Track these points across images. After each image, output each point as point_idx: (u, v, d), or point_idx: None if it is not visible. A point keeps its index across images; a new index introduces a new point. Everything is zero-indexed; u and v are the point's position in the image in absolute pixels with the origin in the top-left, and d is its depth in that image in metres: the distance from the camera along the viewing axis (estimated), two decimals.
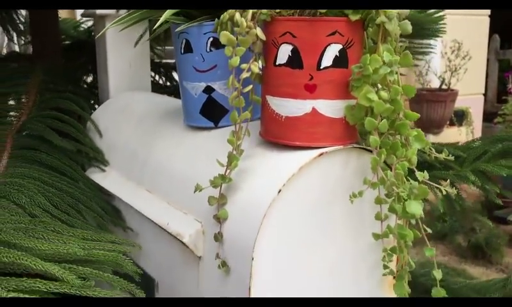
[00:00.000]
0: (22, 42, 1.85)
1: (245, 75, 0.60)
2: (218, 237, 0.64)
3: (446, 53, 3.70)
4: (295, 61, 0.61)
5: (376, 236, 0.64)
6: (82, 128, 1.02)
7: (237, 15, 0.63)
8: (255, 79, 0.66)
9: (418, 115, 0.62)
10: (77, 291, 0.53)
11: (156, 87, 1.38)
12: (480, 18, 4.37)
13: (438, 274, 0.69)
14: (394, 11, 0.59)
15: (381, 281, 0.71)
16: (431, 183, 0.63)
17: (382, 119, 0.60)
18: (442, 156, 0.68)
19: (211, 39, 0.74)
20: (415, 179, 0.64)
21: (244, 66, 0.62)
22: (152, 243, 0.79)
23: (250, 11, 0.61)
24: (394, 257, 0.66)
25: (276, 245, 0.60)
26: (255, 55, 0.63)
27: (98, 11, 1.09)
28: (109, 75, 1.13)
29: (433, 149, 0.67)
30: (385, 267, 0.64)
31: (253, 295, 0.59)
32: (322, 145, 0.63)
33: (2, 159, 0.91)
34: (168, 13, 0.71)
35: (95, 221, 0.84)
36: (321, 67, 0.61)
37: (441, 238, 3.52)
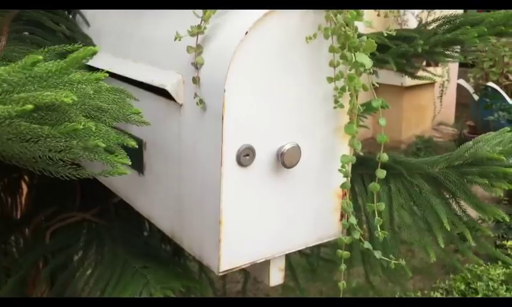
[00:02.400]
0: None
1: None
2: (196, 80, 0.75)
3: None
4: None
5: (330, 80, 0.76)
6: (71, 19, 1.11)
7: None
8: None
9: None
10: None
11: None
12: None
13: (382, 121, 0.81)
14: None
15: (336, 128, 0.83)
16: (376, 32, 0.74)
17: None
18: (392, 31, 0.79)
19: None
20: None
21: None
22: (139, 107, 0.90)
23: None
24: (345, 100, 0.78)
25: (245, 80, 0.71)
26: None
27: None
28: None
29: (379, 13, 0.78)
30: (336, 101, 0.76)
31: (225, 123, 0.70)
32: None
33: (1, 41, 1.00)
34: None
35: None
36: None
37: None
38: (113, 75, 0.95)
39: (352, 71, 0.77)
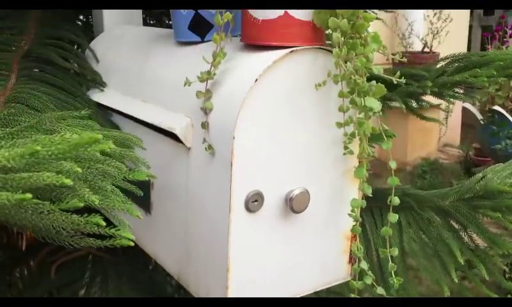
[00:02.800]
0: None
1: None
2: (205, 125, 0.75)
3: (428, 16, 3.79)
4: None
5: (339, 125, 0.76)
6: (81, 55, 1.11)
7: None
8: None
9: (375, 16, 0.72)
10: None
11: (147, 23, 1.48)
12: None
13: (393, 164, 0.80)
14: None
15: (345, 171, 0.82)
16: (387, 76, 0.74)
17: (343, 19, 0.70)
18: (397, 57, 0.79)
19: None
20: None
21: None
22: (147, 146, 0.90)
23: None
24: (354, 147, 0.77)
25: (254, 127, 0.71)
26: None
27: None
28: (103, 11, 1.22)
29: (389, 51, 0.78)
30: (346, 148, 0.75)
31: (234, 170, 0.70)
32: (294, 44, 0.73)
33: (11, 79, 1.00)
34: None
35: None
36: None
37: None
38: (122, 113, 0.95)
39: (362, 115, 0.77)
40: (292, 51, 0.72)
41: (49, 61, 1.04)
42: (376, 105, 0.76)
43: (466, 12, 4.55)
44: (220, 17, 0.73)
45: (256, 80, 0.69)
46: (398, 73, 0.84)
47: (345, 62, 0.72)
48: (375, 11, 1.58)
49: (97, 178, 0.54)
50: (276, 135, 0.73)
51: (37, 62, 1.05)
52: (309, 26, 0.74)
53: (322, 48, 0.76)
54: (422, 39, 3.84)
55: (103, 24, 1.23)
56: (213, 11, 0.85)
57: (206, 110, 0.74)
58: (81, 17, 1.44)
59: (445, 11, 3.80)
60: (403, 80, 1.06)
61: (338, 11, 0.70)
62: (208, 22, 0.86)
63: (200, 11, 0.86)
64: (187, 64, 0.85)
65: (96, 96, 1.03)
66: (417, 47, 3.91)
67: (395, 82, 0.90)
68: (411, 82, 1.07)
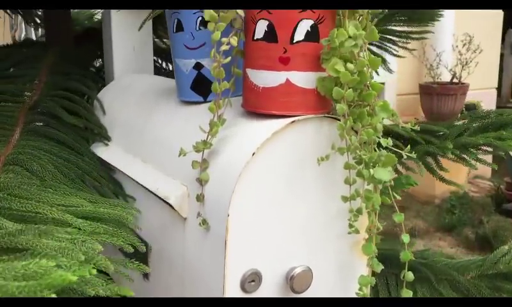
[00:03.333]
0: (39, 35, 1.95)
1: (224, 47, 0.66)
2: (200, 198, 0.70)
3: (457, 46, 3.70)
4: (270, 35, 0.67)
5: (344, 199, 0.70)
6: (89, 107, 1.09)
7: None
8: (236, 54, 0.72)
9: (383, 86, 0.67)
10: (87, 240, 0.59)
11: (159, 71, 1.46)
12: (494, 12, 4.35)
13: (406, 238, 0.74)
14: None
15: (352, 244, 0.76)
16: (395, 149, 0.68)
17: (349, 89, 0.65)
18: (408, 125, 0.74)
19: (200, 18, 0.80)
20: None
21: (224, 39, 0.68)
22: (146, 209, 0.86)
23: None
24: (362, 219, 0.71)
25: (250, 203, 0.66)
26: (235, 30, 0.70)
27: None
28: (113, 58, 1.20)
29: (400, 120, 0.73)
30: (351, 226, 0.70)
31: (228, 249, 0.65)
32: (296, 114, 0.68)
33: (15, 133, 0.99)
34: None
35: (98, 191, 0.91)
36: (294, 41, 0.67)
37: (449, 230, 3.55)
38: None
39: (370, 186, 0.71)
40: (293, 121, 0.67)
41: (54, 116, 1.02)
42: (386, 176, 0.70)
43: (498, 43, 4.43)
44: (218, 85, 0.69)
45: (254, 153, 0.65)
46: (414, 125, 0.78)
47: (350, 138, 0.67)
48: (404, 41, 1.52)
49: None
50: (276, 209, 0.68)
51: (43, 116, 1.03)
52: (313, 94, 0.69)
53: (328, 117, 0.71)
54: (451, 70, 3.75)
55: (113, 72, 1.21)
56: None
57: (201, 182, 0.70)
58: (95, 63, 1.43)
59: (475, 42, 3.70)
60: (417, 136, 1.00)
61: (342, 79, 0.65)
62: (210, 82, 0.82)
63: (202, 70, 0.82)
64: (188, 126, 0.81)
65: (100, 150, 1.00)
66: (446, 77, 3.81)
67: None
68: (431, 138, 1.00)
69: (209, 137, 0.70)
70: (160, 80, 1.10)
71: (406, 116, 4.16)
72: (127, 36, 1.21)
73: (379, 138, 0.68)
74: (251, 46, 0.70)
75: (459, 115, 3.85)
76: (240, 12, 0.68)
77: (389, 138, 0.68)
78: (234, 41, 0.67)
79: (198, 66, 0.82)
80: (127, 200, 0.92)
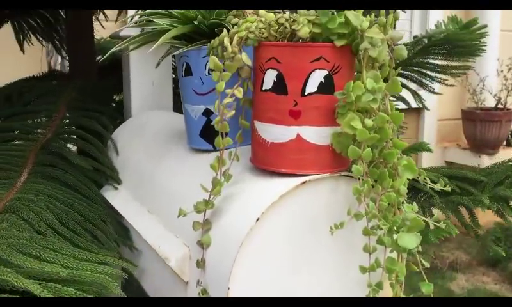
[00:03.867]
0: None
1: (227, 100, 0.60)
2: (200, 264, 0.63)
3: (502, 71, 3.53)
4: (279, 86, 0.60)
5: (363, 270, 0.62)
6: (102, 147, 1.05)
7: (226, 40, 0.63)
8: (244, 104, 0.66)
9: (406, 144, 0.59)
10: None
11: (180, 104, 1.41)
12: None
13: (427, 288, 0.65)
14: (379, 37, 0.57)
15: None
16: (421, 216, 0.60)
17: (367, 148, 0.58)
18: (437, 186, 0.65)
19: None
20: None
21: (228, 91, 0.61)
22: (150, 263, 0.80)
23: (236, 36, 0.61)
24: (385, 291, 0.63)
25: (254, 274, 0.59)
26: (242, 80, 0.63)
27: (122, 33, 1.13)
28: (131, 94, 1.16)
29: (428, 179, 0.64)
30: None
31: None
32: (308, 172, 0.61)
33: (23, 175, 0.95)
34: (166, 36, 0.72)
35: (101, 239, 0.86)
36: (306, 93, 0.60)
37: (494, 265, 3.34)
38: None
39: (393, 254, 0.63)
40: (305, 182, 0.60)
41: (63, 157, 0.98)
42: (413, 243, 0.61)
43: None
44: (221, 140, 0.62)
45: (258, 219, 0.58)
46: (445, 185, 0.69)
47: (367, 205, 0.58)
48: (442, 78, 1.43)
49: None
50: (283, 280, 0.61)
51: (53, 156, 1.00)
52: (327, 151, 0.61)
53: (344, 176, 0.63)
54: (495, 95, 3.57)
55: (131, 108, 1.17)
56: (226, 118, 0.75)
57: (203, 246, 0.63)
58: (115, 98, 1.40)
59: None
60: (452, 184, 0.90)
61: (359, 137, 0.57)
62: None
63: (211, 117, 0.76)
64: (195, 178, 0.75)
65: (110, 194, 0.95)
66: (490, 103, 3.63)
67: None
68: (466, 186, 0.90)
69: (212, 196, 0.63)
70: (176, 119, 1.05)
71: (448, 142, 3.99)
72: (145, 70, 1.16)
73: (403, 203, 0.60)
74: (260, 97, 0.63)
75: (504, 143, 3.66)
76: (248, 61, 0.62)
77: (414, 204, 0.59)
78: (239, 93, 0.61)
79: (207, 113, 0.76)
80: (132, 250, 0.87)
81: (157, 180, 0.84)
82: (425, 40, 1.78)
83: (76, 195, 0.91)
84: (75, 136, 1.06)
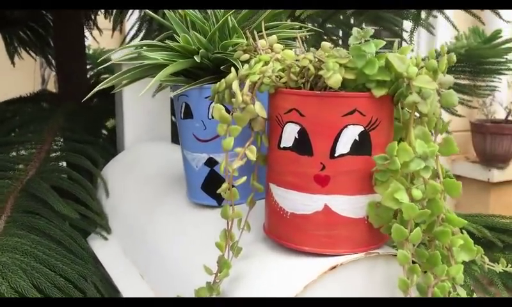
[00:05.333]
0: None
1: (238, 164, 0.48)
2: None
3: None
4: (303, 145, 0.48)
5: None
6: (91, 188, 0.92)
7: (235, 85, 0.51)
8: (257, 160, 0.53)
9: (465, 222, 0.47)
10: None
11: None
12: None
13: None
14: (432, 86, 0.44)
15: None
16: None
17: (415, 228, 0.45)
18: (499, 268, 0.52)
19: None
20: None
21: (238, 150, 0.49)
22: None
23: (247, 83, 0.49)
24: None
25: None
26: (255, 134, 0.51)
27: (114, 57, 1.00)
28: (124, 124, 1.04)
29: (486, 259, 0.52)
30: None
31: None
32: (338, 252, 0.49)
33: None
34: (163, 74, 0.60)
35: None
36: (336, 154, 0.47)
37: None
38: None
39: None
40: (334, 267, 0.47)
41: (46, 203, 0.85)
42: None
43: None
44: (229, 211, 0.50)
45: None
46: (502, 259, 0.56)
47: (417, 286, 0.46)
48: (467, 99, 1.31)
49: None
50: None
51: (35, 201, 0.87)
52: (361, 225, 0.49)
53: (384, 255, 0.51)
54: (506, 107, 3.45)
55: (124, 140, 1.05)
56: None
57: None
58: (108, 123, 1.28)
59: None
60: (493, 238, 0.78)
61: (407, 215, 0.45)
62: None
63: (216, 168, 0.64)
64: (195, 241, 0.63)
65: (98, 245, 0.83)
66: (500, 115, 3.51)
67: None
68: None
69: (216, 280, 0.51)
70: (174, 156, 0.92)
71: (456, 154, 3.87)
72: (140, 98, 1.03)
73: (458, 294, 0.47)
74: (276, 155, 0.51)
75: None
76: (262, 112, 0.49)
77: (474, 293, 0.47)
78: (252, 154, 0.48)
79: (210, 162, 0.64)
80: None
81: (150, 238, 0.71)
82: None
83: (60, 250, 0.79)
84: (60, 174, 0.94)
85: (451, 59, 0.47)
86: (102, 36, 1.58)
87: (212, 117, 0.63)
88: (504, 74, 1.49)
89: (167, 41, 0.63)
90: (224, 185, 0.49)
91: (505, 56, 1.54)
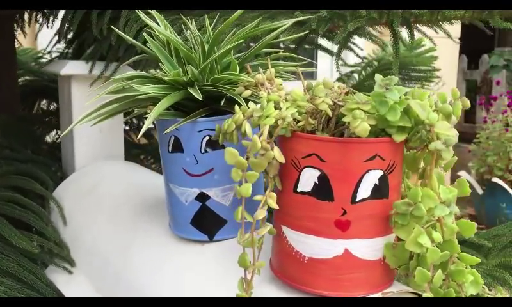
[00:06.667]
0: None
1: (262, 215, 0.46)
2: None
3: None
4: (323, 190, 0.48)
5: None
6: (43, 213, 0.85)
7: (248, 128, 0.49)
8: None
9: (478, 260, 0.49)
10: None
11: (129, 145, 1.23)
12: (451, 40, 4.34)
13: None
14: (452, 133, 0.46)
15: None
16: None
17: (437, 268, 0.47)
18: (498, 295, 0.56)
19: (207, 138, 0.60)
20: None
21: (259, 197, 0.48)
22: None
23: (266, 128, 0.47)
24: None
25: None
26: (270, 179, 0.50)
27: (63, 71, 0.93)
28: (75, 143, 0.97)
29: (486, 289, 0.55)
30: None
31: None
32: (354, 294, 0.49)
33: None
34: (159, 110, 0.56)
35: None
36: (357, 199, 0.47)
37: None
38: None
39: None
40: None
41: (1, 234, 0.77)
42: None
43: (455, 70, 4.42)
44: (248, 260, 0.48)
45: None
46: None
47: None
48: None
49: None
50: None
51: None
52: (378, 266, 0.50)
53: (399, 293, 0.52)
54: None
55: (74, 160, 0.97)
56: (226, 202, 0.61)
57: None
58: (49, 137, 1.18)
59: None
60: None
61: (431, 258, 0.46)
62: (218, 217, 0.62)
63: (207, 202, 0.62)
64: (185, 281, 0.60)
65: (61, 280, 0.77)
66: None
67: None
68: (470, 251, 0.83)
69: None
70: (140, 178, 0.88)
71: None
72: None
73: None
74: (291, 199, 0.50)
75: None
76: (281, 158, 0.48)
77: None
78: (273, 201, 0.47)
79: (202, 197, 0.62)
80: None
81: (130, 277, 0.67)
82: (376, 63, 1.73)
83: (21, 289, 0.72)
84: (9, 203, 0.85)
85: (465, 104, 0.48)
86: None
87: (205, 151, 0.60)
88: (432, 82, 1.59)
89: (159, 73, 0.59)
90: (246, 236, 0.47)
91: (432, 65, 1.64)
